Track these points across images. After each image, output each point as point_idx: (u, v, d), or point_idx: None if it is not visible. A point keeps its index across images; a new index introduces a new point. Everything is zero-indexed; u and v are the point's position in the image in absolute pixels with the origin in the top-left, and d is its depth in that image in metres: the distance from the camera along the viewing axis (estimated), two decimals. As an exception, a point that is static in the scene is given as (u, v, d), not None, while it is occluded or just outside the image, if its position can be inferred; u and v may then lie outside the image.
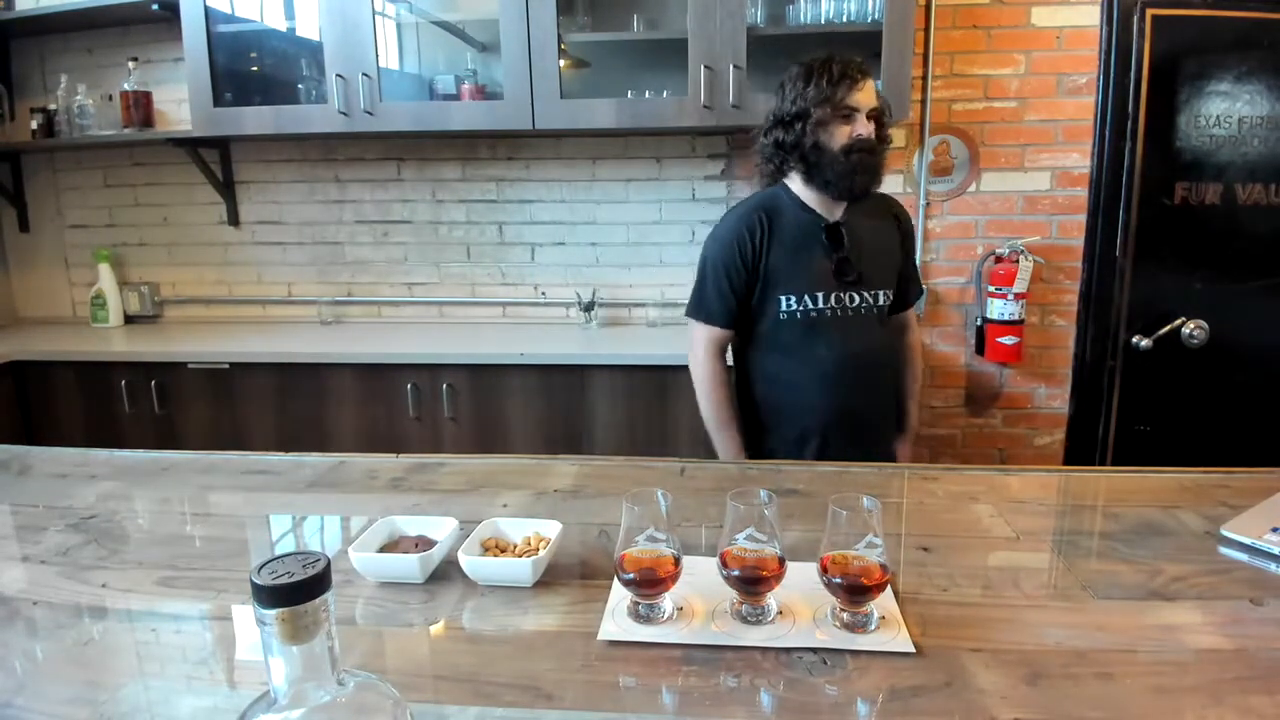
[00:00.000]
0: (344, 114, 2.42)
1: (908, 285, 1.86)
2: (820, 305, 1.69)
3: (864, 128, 1.62)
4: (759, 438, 1.77)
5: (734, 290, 1.70)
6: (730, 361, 1.80)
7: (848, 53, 1.64)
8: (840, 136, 1.62)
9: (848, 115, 1.62)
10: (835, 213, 1.71)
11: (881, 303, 1.75)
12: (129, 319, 2.99)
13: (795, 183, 1.72)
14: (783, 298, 1.68)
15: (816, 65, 1.63)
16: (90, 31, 2.81)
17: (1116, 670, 0.72)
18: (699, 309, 1.75)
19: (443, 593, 0.88)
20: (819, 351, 1.70)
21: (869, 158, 1.64)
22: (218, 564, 0.96)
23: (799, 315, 1.69)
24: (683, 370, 2.27)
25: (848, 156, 1.62)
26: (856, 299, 1.72)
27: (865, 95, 1.63)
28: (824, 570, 0.79)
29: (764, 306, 1.70)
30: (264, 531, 1.11)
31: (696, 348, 1.76)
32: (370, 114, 2.42)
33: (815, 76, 1.62)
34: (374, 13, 2.37)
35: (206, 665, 0.76)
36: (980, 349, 2.66)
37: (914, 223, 2.63)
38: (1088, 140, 2.55)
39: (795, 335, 1.70)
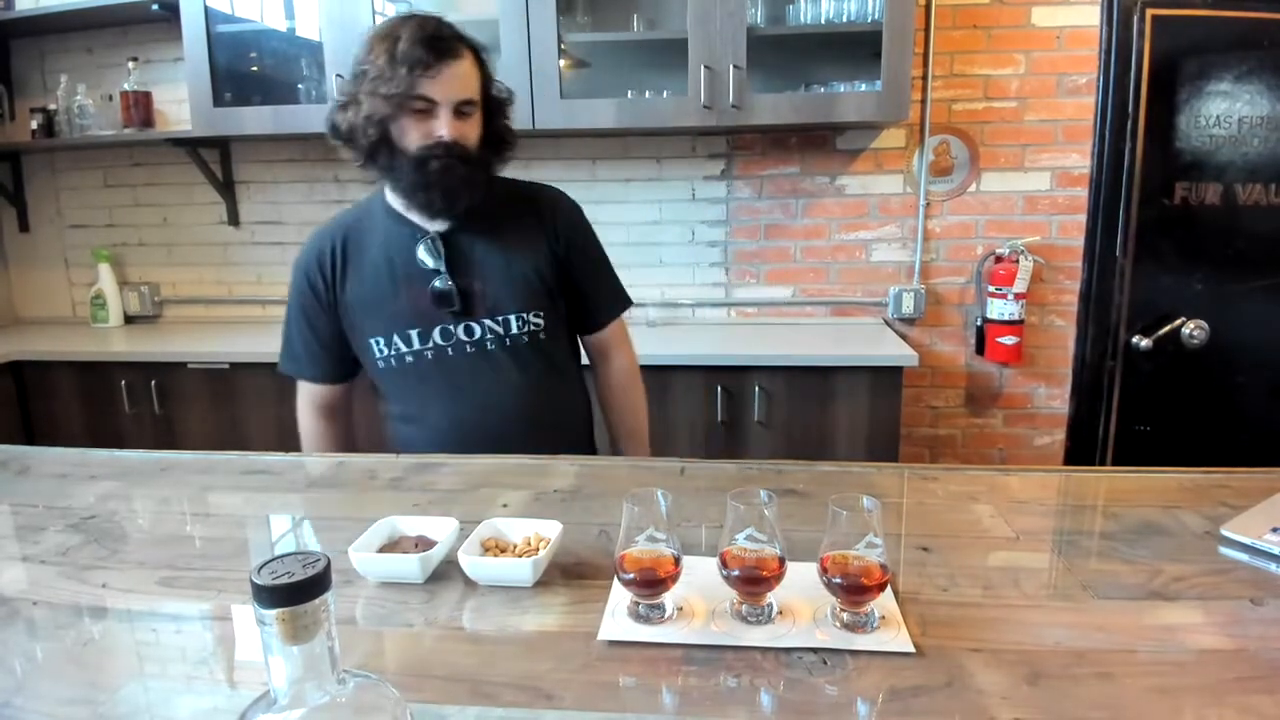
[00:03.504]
0: (344, 114, 2.41)
1: (590, 301, 1.45)
2: (417, 346, 1.30)
3: (447, 128, 1.22)
4: None
5: (317, 336, 1.36)
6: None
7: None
8: (413, 135, 1.22)
9: (424, 110, 1.21)
10: (439, 221, 1.31)
11: (516, 331, 1.33)
12: (129, 319, 2.99)
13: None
14: (372, 342, 1.32)
15: (380, 34, 1.20)
16: (90, 31, 2.81)
17: (1116, 670, 0.72)
18: (285, 359, 1.42)
19: (443, 593, 0.88)
20: (429, 407, 1.34)
21: (457, 167, 1.23)
22: (218, 564, 0.96)
23: (393, 361, 1.32)
24: (683, 370, 2.28)
25: (422, 166, 1.22)
26: (477, 330, 1.32)
27: (449, 84, 1.20)
28: (824, 570, 0.79)
29: (363, 352, 1.35)
30: (264, 531, 1.11)
31: (298, 405, 1.44)
32: (370, 114, 2.41)
33: (379, 48, 1.19)
34: (374, 13, 2.37)
35: (206, 665, 0.76)
36: (980, 349, 2.66)
37: (916, 224, 2.65)
38: (1088, 140, 2.55)
39: (400, 387, 1.34)
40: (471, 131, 1.26)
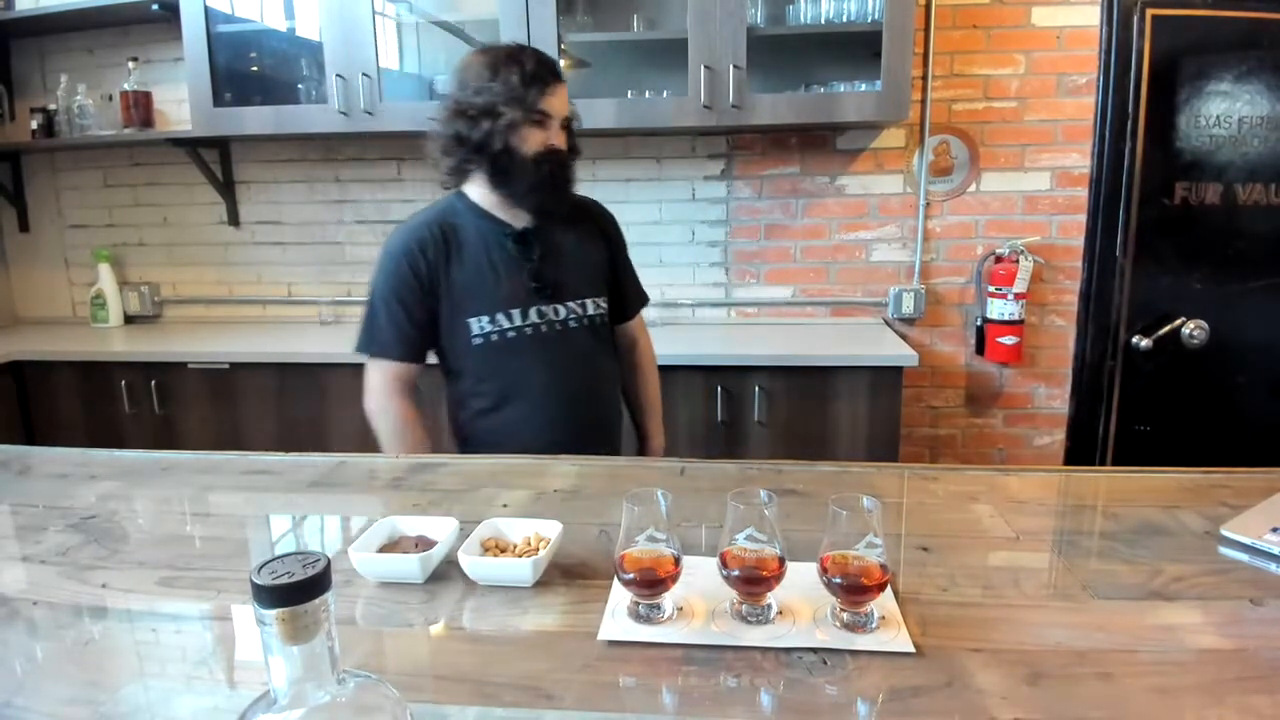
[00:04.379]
0: (344, 114, 2.42)
1: (626, 295, 1.71)
2: (518, 323, 1.49)
3: (557, 137, 1.45)
4: None
5: (410, 317, 1.48)
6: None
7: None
8: (532, 143, 1.43)
9: (540, 120, 1.43)
10: (522, 219, 1.51)
11: (591, 313, 1.57)
12: (129, 319, 3.00)
13: (476, 186, 1.52)
14: (472, 321, 1.48)
15: (503, 57, 1.42)
16: (90, 31, 2.81)
17: (1116, 670, 0.72)
18: (370, 342, 1.51)
19: (443, 593, 0.88)
20: (526, 376, 1.51)
21: (561, 171, 1.47)
22: (218, 564, 0.96)
23: (494, 338, 1.48)
24: (683, 370, 2.28)
25: (539, 167, 1.43)
26: (562, 311, 1.53)
27: (560, 101, 1.45)
28: (824, 570, 0.79)
29: (455, 333, 1.50)
30: (264, 531, 1.11)
31: (372, 390, 1.52)
32: (370, 114, 2.42)
33: (507, 69, 1.40)
34: (374, 13, 2.37)
35: (206, 665, 0.76)
36: (980, 349, 2.66)
37: (916, 224, 2.66)
38: (1088, 140, 2.55)
39: (495, 361, 1.50)
40: (564, 143, 1.49)
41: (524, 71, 1.40)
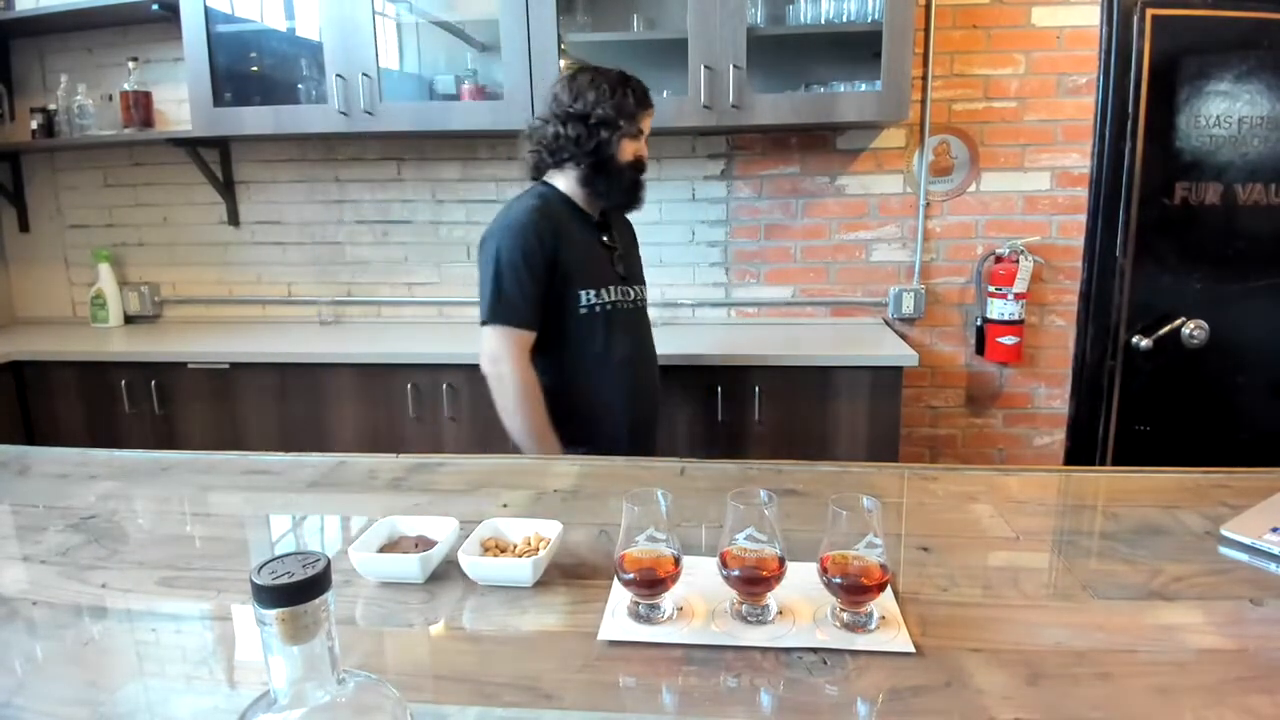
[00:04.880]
0: (344, 114, 2.42)
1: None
2: (610, 299, 1.71)
3: (645, 149, 1.75)
4: (573, 441, 1.68)
5: (536, 287, 1.63)
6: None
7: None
8: (628, 152, 1.70)
9: (638, 135, 1.72)
10: (596, 210, 1.76)
11: (644, 295, 1.85)
12: (129, 319, 2.99)
13: (564, 180, 1.73)
14: (581, 292, 1.67)
15: (619, 79, 1.70)
16: (90, 31, 2.81)
17: (1116, 670, 0.72)
18: (501, 311, 1.62)
19: (443, 593, 0.88)
20: (618, 347, 1.72)
21: (642, 178, 1.76)
22: (218, 564, 0.96)
23: (597, 310, 1.69)
24: (683, 370, 2.28)
25: (632, 171, 1.72)
26: (631, 293, 1.78)
27: (650, 122, 1.76)
28: (824, 570, 0.79)
29: (563, 303, 1.67)
30: (264, 531, 1.11)
31: (502, 356, 1.62)
32: (370, 114, 2.42)
33: (622, 90, 1.68)
34: (374, 13, 2.37)
35: (206, 665, 0.76)
36: (980, 349, 2.66)
37: (916, 224, 2.66)
38: (1088, 140, 2.55)
39: (595, 332, 1.70)
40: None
41: (636, 94, 1.70)
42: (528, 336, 1.64)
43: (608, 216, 1.81)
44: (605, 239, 1.77)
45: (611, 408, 1.74)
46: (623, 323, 1.74)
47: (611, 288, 1.72)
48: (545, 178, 1.76)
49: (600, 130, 1.67)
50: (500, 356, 1.63)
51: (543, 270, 1.63)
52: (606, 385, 1.73)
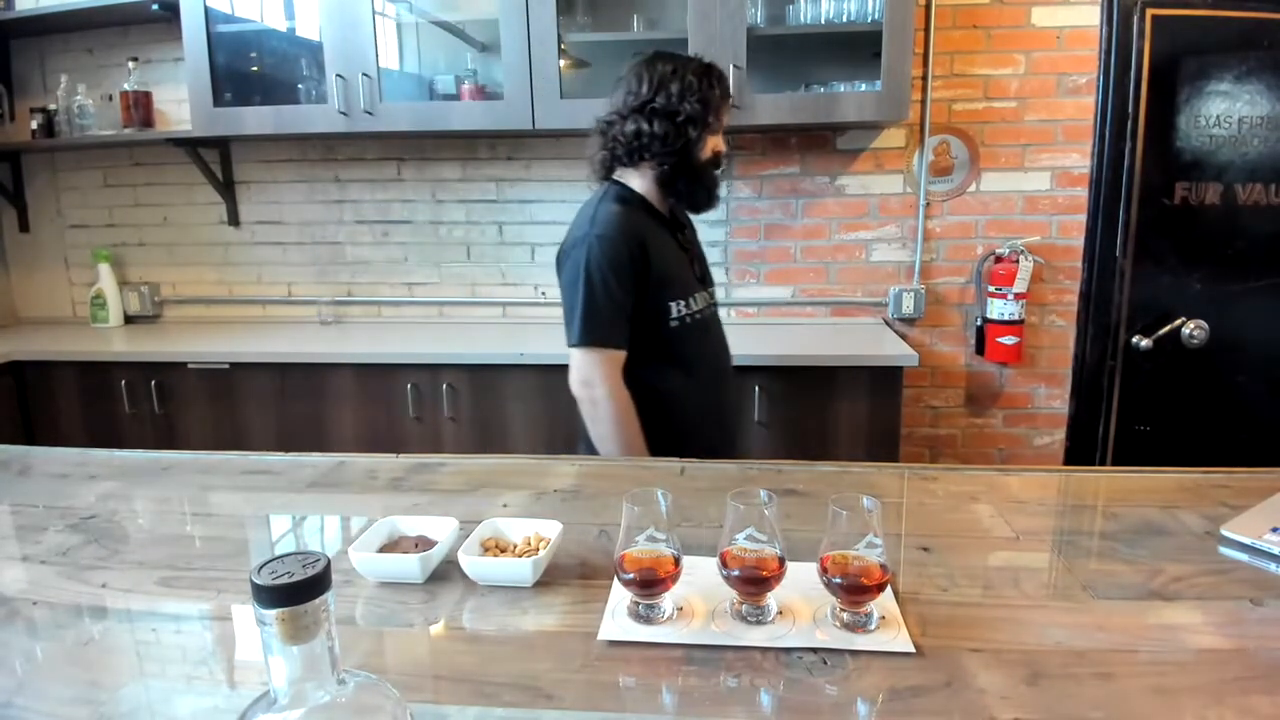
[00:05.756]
0: (344, 114, 2.42)
1: None
2: (696, 307, 1.60)
3: (723, 145, 1.62)
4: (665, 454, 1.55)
5: (630, 302, 1.51)
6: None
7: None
8: (708, 149, 1.58)
9: (718, 130, 1.60)
10: (667, 212, 1.65)
11: (715, 300, 1.73)
12: (129, 319, 2.99)
13: (638, 179, 1.60)
14: (671, 304, 1.55)
15: (702, 69, 1.56)
16: (90, 31, 2.81)
17: (1116, 670, 0.72)
18: (593, 332, 1.49)
19: (443, 593, 0.88)
20: (707, 358, 1.63)
21: (718, 175, 1.65)
22: (218, 564, 0.96)
23: (687, 320, 1.58)
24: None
25: (715, 168, 1.61)
26: (709, 297, 1.68)
27: (728, 116, 1.63)
28: (824, 570, 0.79)
29: (653, 316, 1.54)
30: (264, 531, 1.11)
31: (596, 379, 1.50)
32: (370, 114, 2.42)
33: (708, 81, 1.55)
34: (374, 13, 2.37)
35: (206, 665, 0.76)
36: (980, 349, 2.66)
37: (916, 224, 2.66)
38: (1088, 140, 2.55)
39: (685, 344, 1.58)
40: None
41: (720, 85, 1.57)
42: (620, 356, 1.52)
43: (676, 214, 1.69)
44: (681, 240, 1.66)
45: (703, 423, 1.62)
46: (707, 331, 1.65)
47: (695, 295, 1.61)
48: (616, 176, 1.62)
49: (688, 128, 1.53)
50: (594, 380, 1.50)
51: (633, 283, 1.50)
52: (697, 400, 1.62)
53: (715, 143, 1.60)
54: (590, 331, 1.50)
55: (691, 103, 1.52)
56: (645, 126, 1.53)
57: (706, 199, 1.63)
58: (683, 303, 1.57)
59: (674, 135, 1.53)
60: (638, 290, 1.51)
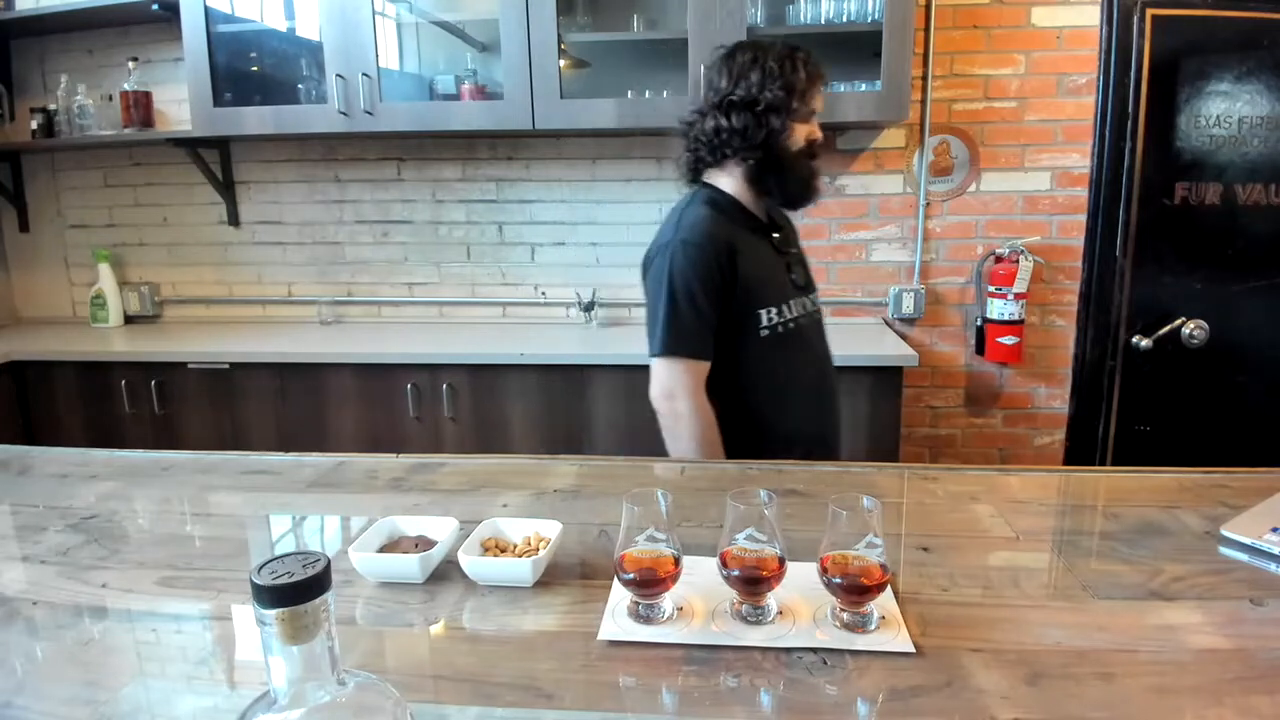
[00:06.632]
0: (344, 114, 2.42)
1: None
2: (791, 315, 1.50)
3: (818, 131, 1.51)
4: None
5: (715, 312, 1.43)
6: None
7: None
8: (799, 137, 1.47)
9: (810, 115, 1.48)
10: (762, 211, 1.55)
11: (819, 306, 1.62)
12: (129, 319, 2.99)
13: (727, 179, 1.52)
14: (761, 312, 1.46)
15: (784, 51, 1.46)
16: (90, 31, 2.81)
17: (1116, 670, 0.72)
18: (677, 342, 1.42)
19: (443, 593, 0.88)
20: (800, 371, 1.52)
21: (816, 165, 1.52)
22: (218, 564, 0.96)
23: (779, 330, 1.48)
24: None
25: (809, 160, 1.49)
26: (809, 305, 1.56)
27: (822, 99, 1.51)
28: (824, 570, 0.79)
29: (741, 325, 1.46)
30: (264, 531, 1.11)
31: (679, 392, 1.42)
32: (370, 114, 2.42)
33: (790, 63, 1.44)
34: (374, 13, 2.37)
35: (206, 665, 0.76)
36: (980, 349, 2.66)
37: (916, 224, 2.66)
38: (1088, 140, 2.55)
39: (776, 355, 1.48)
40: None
41: (806, 65, 1.45)
42: (704, 367, 1.44)
43: (773, 215, 1.59)
44: (777, 244, 1.54)
45: (794, 440, 1.49)
46: (804, 341, 1.53)
47: (791, 302, 1.50)
48: (705, 178, 1.55)
49: (770, 118, 1.43)
50: (676, 392, 1.43)
51: (721, 292, 1.42)
52: (787, 415, 1.51)
53: (807, 130, 1.48)
54: (673, 341, 1.43)
55: (773, 89, 1.42)
56: (724, 122, 1.45)
57: (802, 193, 1.52)
58: (774, 310, 1.47)
59: (754, 127, 1.44)
60: (725, 298, 1.43)
